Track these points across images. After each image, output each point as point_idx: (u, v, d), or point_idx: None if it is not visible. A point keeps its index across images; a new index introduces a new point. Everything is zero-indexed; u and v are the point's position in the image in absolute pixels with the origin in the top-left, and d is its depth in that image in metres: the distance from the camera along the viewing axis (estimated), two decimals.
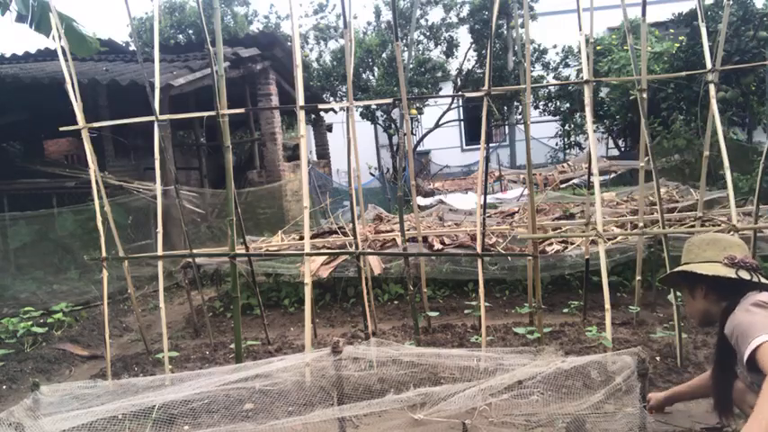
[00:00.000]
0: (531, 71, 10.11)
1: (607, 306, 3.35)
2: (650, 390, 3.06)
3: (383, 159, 18.07)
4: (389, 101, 4.39)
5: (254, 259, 4.87)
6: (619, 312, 4.63)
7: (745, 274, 2.27)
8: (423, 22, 15.86)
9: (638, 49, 3.92)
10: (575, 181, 12.22)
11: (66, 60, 3.90)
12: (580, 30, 3.84)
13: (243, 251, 4.53)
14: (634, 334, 4.27)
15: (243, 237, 4.63)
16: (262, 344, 4.69)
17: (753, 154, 8.80)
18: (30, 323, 4.95)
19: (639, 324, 4.45)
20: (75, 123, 3.98)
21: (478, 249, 3.91)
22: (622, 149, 15.50)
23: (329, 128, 14.96)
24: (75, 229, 7.33)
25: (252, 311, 5.64)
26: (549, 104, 16.68)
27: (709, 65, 3.70)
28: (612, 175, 11.96)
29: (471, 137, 20.66)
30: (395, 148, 16.16)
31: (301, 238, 5.61)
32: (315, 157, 14.63)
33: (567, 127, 16.63)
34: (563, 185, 12.22)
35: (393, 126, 15.93)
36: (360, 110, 15.29)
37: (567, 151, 17.43)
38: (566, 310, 4.76)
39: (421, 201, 10.95)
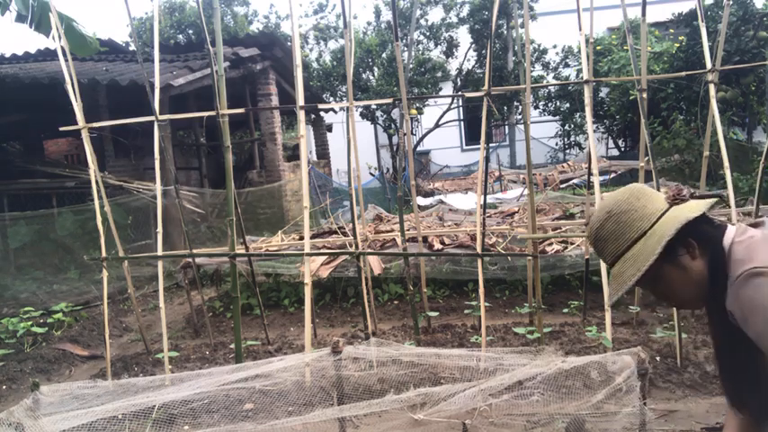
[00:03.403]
0: (531, 71, 10.11)
1: (607, 306, 3.35)
2: (650, 390, 3.07)
3: (383, 159, 18.06)
4: (389, 101, 4.40)
5: (254, 259, 4.87)
6: (619, 312, 4.63)
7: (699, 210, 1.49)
8: (423, 22, 15.85)
9: (638, 49, 3.92)
10: (575, 181, 12.22)
11: (66, 60, 3.90)
12: (580, 30, 3.84)
13: (243, 251, 4.53)
14: (634, 334, 4.27)
15: (243, 237, 4.64)
16: (262, 344, 4.69)
17: (753, 154, 8.80)
18: (30, 323, 4.95)
19: (639, 324, 4.45)
20: (75, 123, 3.98)
21: (478, 249, 3.91)
22: (622, 149, 15.50)
23: (329, 128, 14.95)
24: (76, 229, 7.33)
25: (252, 311, 5.64)
26: (549, 104, 16.68)
27: (709, 65, 3.70)
28: (612, 174, 11.95)
29: (471, 137, 20.65)
30: (395, 148, 16.16)
31: (301, 238, 5.61)
32: (315, 157, 14.62)
33: (566, 127, 16.63)
34: (563, 185, 12.22)
35: (393, 126, 15.93)
36: (360, 110, 15.29)
37: (567, 151, 17.42)
38: (566, 310, 4.76)
39: (421, 201, 10.94)
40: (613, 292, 1.53)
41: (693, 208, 1.47)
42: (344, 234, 5.99)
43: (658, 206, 1.50)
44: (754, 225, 1.50)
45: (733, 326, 1.45)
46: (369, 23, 16.71)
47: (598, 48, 13.15)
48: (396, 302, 5.66)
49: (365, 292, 4.16)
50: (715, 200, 1.53)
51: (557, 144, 17.40)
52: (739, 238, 1.44)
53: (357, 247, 3.94)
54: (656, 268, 1.44)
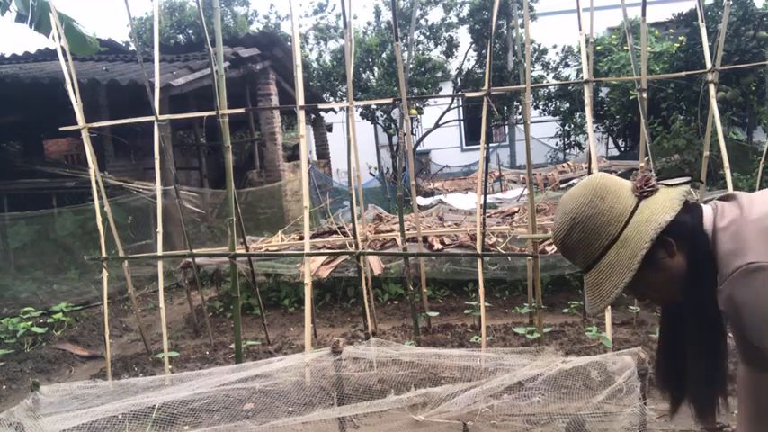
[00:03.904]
0: (531, 71, 10.11)
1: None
2: (650, 390, 3.06)
3: (383, 159, 18.05)
4: (389, 101, 4.40)
5: (253, 259, 4.87)
6: (619, 312, 4.63)
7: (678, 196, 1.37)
8: (423, 22, 15.85)
9: (638, 49, 3.92)
10: (575, 181, 12.21)
11: (66, 60, 3.90)
12: (580, 30, 3.84)
13: (243, 251, 4.53)
14: (634, 334, 4.27)
15: (243, 237, 4.64)
16: (262, 344, 4.69)
17: (753, 154, 8.80)
18: (30, 323, 4.95)
19: (639, 324, 4.45)
20: (75, 123, 3.98)
21: (478, 249, 3.91)
22: (622, 149, 15.49)
23: (329, 128, 14.95)
24: (76, 229, 7.33)
25: (252, 311, 5.64)
26: (549, 104, 16.67)
27: (709, 65, 3.70)
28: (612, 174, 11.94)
29: (471, 137, 20.63)
30: (395, 148, 16.16)
31: (301, 238, 5.60)
32: (315, 157, 14.62)
33: (566, 127, 16.62)
34: (563, 185, 12.21)
35: (393, 126, 15.93)
36: (360, 110, 15.28)
37: (567, 151, 17.41)
38: (566, 311, 4.76)
39: (421, 201, 10.93)
40: (592, 305, 1.41)
41: (666, 205, 1.33)
42: (344, 234, 5.98)
43: (626, 203, 1.35)
44: (725, 199, 1.42)
45: (709, 320, 1.36)
46: (369, 23, 16.71)
47: (598, 48, 13.14)
48: (396, 302, 5.66)
49: (365, 292, 4.16)
50: (686, 187, 1.38)
51: (557, 144, 17.39)
52: (721, 223, 1.32)
53: (357, 247, 3.94)
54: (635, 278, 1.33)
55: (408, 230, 5.15)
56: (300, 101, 3.71)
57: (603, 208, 1.35)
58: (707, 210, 1.39)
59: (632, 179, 1.41)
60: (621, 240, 1.33)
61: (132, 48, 12.37)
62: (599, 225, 1.35)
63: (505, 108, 16.16)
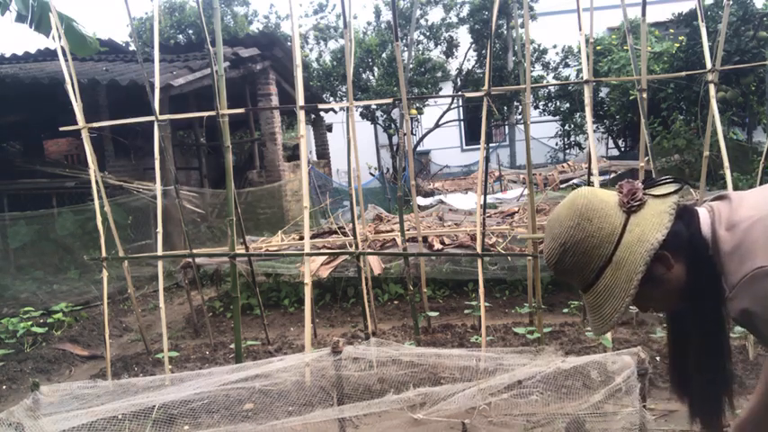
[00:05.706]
0: (531, 71, 10.11)
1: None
2: (650, 390, 3.06)
3: (383, 159, 18.06)
4: (389, 101, 4.40)
5: (253, 259, 4.87)
6: None
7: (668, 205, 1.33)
8: (423, 22, 15.85)
9: (638, 49, 3.92)
10: (575, 181, 12.22)
11: (66, 60, 3.90)
12: (580, 30, 3.84)
13: (243, 251, 4.53)
14: (634, 334, 4.27)
15: (243, 237, 4.64)
16: (262, 344, 4.69)
17: (753, 154, 8.81)
18: (30, 323, 4.96)
19: (639, 324, 4.45)
20: (75, 123, 3.98)
21: (478, 249, 3.91)
22: (622, 149, 15.50)
23: (329, 128, 14.95)
24: (76, 229, 7.33)
25: (252, 311, 5.64)
26: (549, 104, 16.67)
27: (709, 65, 3.70)
28: (612, 174, 11.95)
29: (471, 137, 20.64)
30: (395, 148, 16.16)
31: (301, 238, 5.60)
32: (315, 157, 14.62)
33: (566, 127, 16.63)
34: (563, 185, 12.22)
35: (393, 126, 15.93)
36: (360, 110, 15.28)
37: (567, 151, 17.42)
38: (566, 311, 4.76)
39: (421, 201, 10.93)
40: (595, 328, 1.39)
41: (656, 221, 1.29)
42: (344, 234, 5.98)
43: (614, 221, 1.31)
44: (718, 200, 1.38)
45: (712, 323, 1.34)
46: (369, 23, 16.72)
47: (598, 48, 13.14)
48: (396, 302, 5.66)
49: (365, 292, 4.16)
50: (676, 196, 1.33)
51: (557, 144, 17.40)
52: (721, 227, 1.29)
53: (357, 247, 3.94)
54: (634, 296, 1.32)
55: (408, 230, 5.15)
56: (300, 101, 3.71)
57: (592, 230, 1.31)
58: (703, 213, 1.36)
59: (617, 191, 1.37)
60: (615, 262, 1.30)
61: (132, 48, 12.37)
62: (590, 248, 1.32)
63: (505, 108, 16.16)
